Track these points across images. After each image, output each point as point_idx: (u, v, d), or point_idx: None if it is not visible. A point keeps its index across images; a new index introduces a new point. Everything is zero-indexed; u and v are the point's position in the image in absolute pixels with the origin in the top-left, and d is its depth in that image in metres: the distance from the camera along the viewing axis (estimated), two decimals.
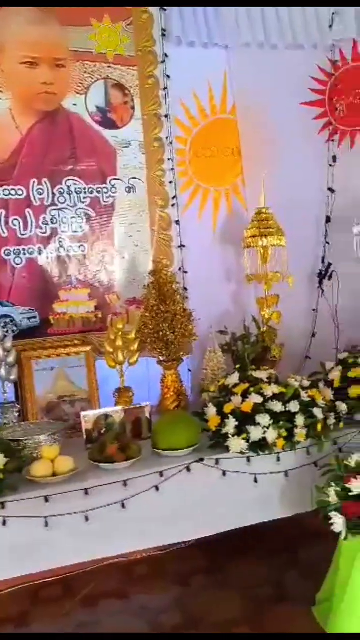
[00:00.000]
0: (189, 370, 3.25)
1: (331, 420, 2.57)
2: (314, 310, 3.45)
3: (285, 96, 3.37)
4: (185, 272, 3.25)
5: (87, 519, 2.15)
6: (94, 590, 2.56)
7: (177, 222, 3.24)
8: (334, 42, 3.38)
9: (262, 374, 2.63)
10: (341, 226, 3.36)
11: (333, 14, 3.34)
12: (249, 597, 2.49)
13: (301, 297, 3.46)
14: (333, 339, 3.28)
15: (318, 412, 2.51)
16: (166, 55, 3.17)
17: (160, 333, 2.82)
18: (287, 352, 3.24)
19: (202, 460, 2.35)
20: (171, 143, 3.21)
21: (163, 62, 3.17)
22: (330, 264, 3.41)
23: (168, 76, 3.18)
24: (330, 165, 3.42)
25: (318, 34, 3.33)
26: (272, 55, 3.33)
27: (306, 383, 2.67)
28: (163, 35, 3.15)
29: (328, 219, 3.43)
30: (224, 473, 2.38)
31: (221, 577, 2.64)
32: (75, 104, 3.00)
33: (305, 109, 3.43)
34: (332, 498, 2.26)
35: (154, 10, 3.13)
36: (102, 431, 2.54)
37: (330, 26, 3.34)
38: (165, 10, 3.13)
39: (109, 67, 3.07)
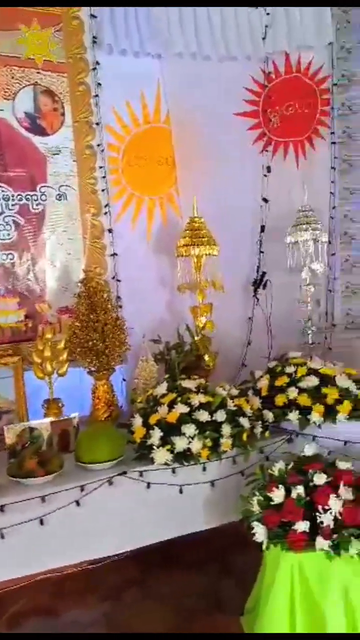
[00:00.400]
0: (124, 380, 3.21)
1: (258, 429, 2.58)
2: (249, 318, 3.48)
3: (219, 106, 3.41)
4: (119, 281, 3.22)
5: (2, 536, 2.09)
6: (23, 606, 2.50)
7: (110, 231, 3.21)
8: (267, 54, 3.44)
9: (190, 384, 2.63)
10: (275, 235, 3.40)
11: (266, 26, 3.40)
12: (180, 608, 2.48)
13: (237, 305, 3.48)
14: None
15: (244, 421, 2.52)
16: (97, 63, 3.15)
17: (90, 343, 2.77)
18: (223, 361, 3.25)
19: (124, 473, 2.32)
20: (103, 151, 3.18)
21: (94, 69, 3.14)
22: (264, 273, 3.45)
23: (99, 84, 3.15)
24: (265, 176, 3.47)
25: (251, 46, 3.38)
26: (205, 65, 3.36)
27: (235, 392, 2.68)
28: (94, 42, 3.12)
29: (262, 229, 3.47)
30: (149, 485, 2.35)
31: (153, 589, 2.62)
32: (2, 109, 2.94)
33: (239, 120, 3.47)
34: (255, 507, 2.27)
35: (84, 16, 3.10)
36: (26, 445, 2.47)
37: (264, 39, 3.40)
38: (95, 17, 3.11)
39: (38, 72, 3.02)
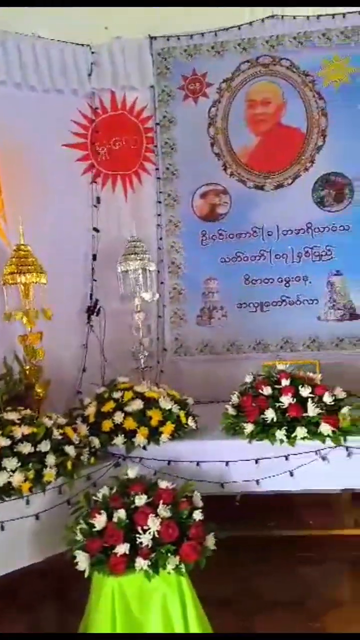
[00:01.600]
0: None
1: (85, 456, 2.61)
2: (84, 345, 3.51)
3: (47, 136, 3.45)
4: None
5: None
6: None
7: None
8: (94, 90, 3.57)
9: (14, 415, 2.57)
10: (108, 264, 3.50)
11: (92, 63, 3.54)
12: None
13: (72, 333, 3.50)
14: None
15: (70, 450, 2.53)
16: None
17: None
18: (58, 388, 3.23)
19: None
20: None
21: None
22: (97, 300, 3.52)
23: None
24: (95, 206, 3.57)
25: (77, 81, 3.49)
26: (32, 95, 3.38)
27: (62, 421, 2.67)
28: None
29: (94, 257, 3.55)
30: None
31: None
32: None
33: (69, 151, 3.54)
34: (79, 536, 2.28)
35: None
36: None
37: (89, 75, 3.53)
38: None
39: None
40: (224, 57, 3.53)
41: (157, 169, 3.60)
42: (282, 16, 3.45)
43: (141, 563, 2.18)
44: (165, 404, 2.79)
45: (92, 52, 3.52)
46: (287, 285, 3.56)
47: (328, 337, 3.52)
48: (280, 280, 3.56)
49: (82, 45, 3.50)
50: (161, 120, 3.59)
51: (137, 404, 2.76)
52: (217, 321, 3.63)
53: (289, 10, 3.43)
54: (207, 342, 3.64)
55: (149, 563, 2.19)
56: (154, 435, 2.71)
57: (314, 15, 3.42)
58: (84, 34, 3.48)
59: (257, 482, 2.65)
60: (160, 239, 3.63)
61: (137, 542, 2.22)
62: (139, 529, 2.25)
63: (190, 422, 2.82)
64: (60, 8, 3.44)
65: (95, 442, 2.67)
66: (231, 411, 2.79)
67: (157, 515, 2.27)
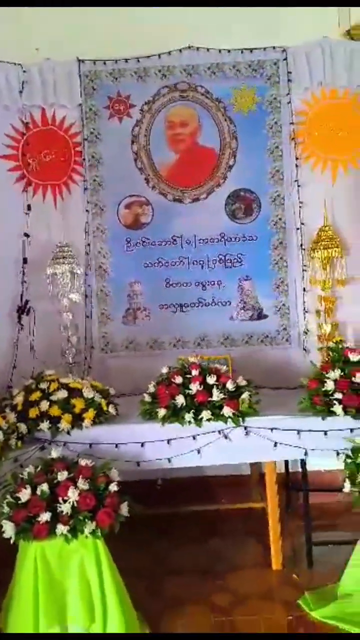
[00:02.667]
0: None
1: (13, 441, 2.88)
2: (14, 343, 3.75)
3: None
4: None
5: None
6: None
7: None
8: (25, 106, 3.84)
9: None
10: (38, 267, 3.77)
11: (23, 82, 3.80)
12: None
13: (2, 332, 3.73)
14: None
15: None
16: None
17: None
18: None
19: None
20: None
21: None
22: (27, 301, 3.77)
23: None
24: (26, 213, 3.83)
25: (9, 97, 3.75)
26: None
27: None
28: None
29: (25, 260, 3.80)
30: None
31: None
32: None
33: (1, 162, 3.80)
34: (6, 509, 2.55)
35: None
36: None
37: (21, 92, 3.80)
38: None
39: None
40: (146, 81, 3.89)
41: (84, 180, 3.89)
42: (198, 48, 3.85)
43: (61, 528, 2.49)
44: (88, 393, 3.10)
45: (24, 71, 3.78)
46: (204, 288, 3.95)
47: (239, 334, 3.94)
48: (197, 284, 3.94)
49: (14, 64, 3.76)
50: (88, 136, 3.89)
51: (62, 394, 3.05)
52: (140, 321, 3.96)
53: (204, 43, 3.84)
54: (132, 340, 3.96)
55: (68, 528, 2.50)
56: (77, 421, 3.01)
57: (225, 49, 3.85)
58: (16, 54, 3.75)
59: (169, 460, 3.01)
60: (88, 244, 3.92)
61: (58, 511, 2.52)
62: (60, 500, 2.55)
63: (111, 409, 3.14)
64: None
65: (22, 427, 2.94)
66: (147, 399, 3.14)
67: (76, 487, 2.58)
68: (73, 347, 3.75)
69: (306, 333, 3.88)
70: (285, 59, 3.85)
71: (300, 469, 3.45)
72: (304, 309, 3.89)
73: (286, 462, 3.86)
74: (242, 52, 3.86)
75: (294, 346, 3.91)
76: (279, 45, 3.85)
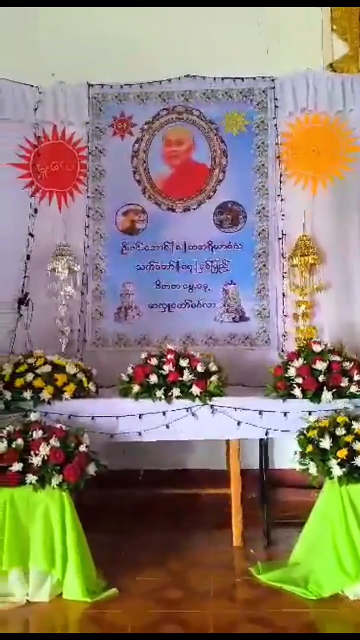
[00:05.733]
0: None
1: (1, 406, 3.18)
2: (13, 330, 4.08)
3: None
4: None
5: None
6: None
7: None
8: (39, 122, 4.32)
9: None
10: (40, 265, 4.15)
11: (38, 101, 4.30)
12: None
13: (5, 319, 4.07)
14: None
15: None
16: None
17: None
18: None
19: None
20: None
21: None
22: (27, 293, 4.12)
23: None
24: (32, 215, 4.24)
25: (24, 113, 4.24)
26: None
27: None
28: None
29: (28, 257, 4.18)
30: None
31: None
32: None
33: (13, 169, 4.25)
34: None
35: None
36: None
37: (35, 109, 4.29)
38: None
39: None
40: (147, 104, 4.35)
41: (87, 189, 4.31)
42: (195, 76, 4.31)
43: (31, 477, 2.74)
44: (71, 369, 3.39)
45: (40, 92, 4.28)
46: (191, 291, 4.25)
47: (222, 335, 4.19)
48: (185, 286, 4.25)
49: (31, 85, 4.27)
50: (93, 150, 4.33)
51: (47, 368, 3.35)
52: (131, 318, 4.26)
53: (200, 71, 4.29)
54: (122, 336, 4.25)
55: (37, 478, 2.74)
56: (58, 394, 3.29)
57: (219, 77, 4.30)
58: (33, 77, 4.25)
59: (140, 433, 3.25)
60: (87, 247, 4.29)
61: (29, 462, 2.78)
62: (32, 453, 2.81)
63: (91, 387, 3.41)
64: (15, 57, 4.28)
65: (7, 395, 3.23)
66: (125, 378, 3.41)
67: (48, 444, 2.84)
68: (66, 337, 4.07)
69: (284, 336, 4.12)
70: (273, 87, 4.27)
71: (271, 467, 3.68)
72: (283, 313, 4.14)
73: (260, 459, 4.03)
74: (234, 80, 4.30)
75: (273, 348, 4.14)
76: (268, 75, 4.28)
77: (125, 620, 2.48)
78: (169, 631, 2.39)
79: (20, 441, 2.84)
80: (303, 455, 2.87)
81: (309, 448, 2.81)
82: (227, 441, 3.46)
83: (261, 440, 3.65)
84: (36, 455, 2.79)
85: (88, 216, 4.31)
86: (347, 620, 2.47)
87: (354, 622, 2.47)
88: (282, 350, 4.08)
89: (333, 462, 2.72)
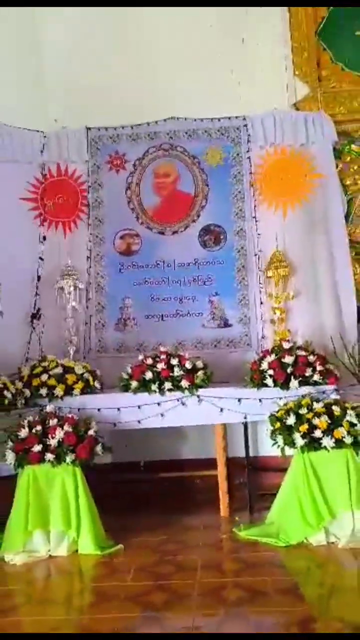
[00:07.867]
0: None
1: (20, 401, 3.78)
2: (28, 342, 4.70)
3: (9, 193, 4.81)
4: None
5: None
6: None
7: None
8: (45, 162, 5.00)
9: None
10: (49, 284, 4.79)
11: (44, 144, 4.99)
12: None
13: (19, 333, 4.70)
14: None
15: (8, 394, 3.69)
16: None
17: None
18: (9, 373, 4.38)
19: None
20: None
21: None
22: (39, 309, 4.76)
23: None
24: (41, 242, 4.90)
25: (32, 155, 4.93)
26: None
27: (5, 379, 3.85)
28: None
29: (39, 278, 4.83)
30: None
31: None
32: None
33: (24, 203, 4.92)
34: (9, 444, 3.42)
35: None
36: None
37: (42, 151, 4.98)
38: None
39: None
40: (138, 143, 5.04)
41: (88, 217, 4.98)
42: (178, 117, 5.00)
43: (49, 456, 3.34)
44: (79, 370, 4.01)
45: (44, 137, 4.98)
46: (181, 302, 4.88)
47: (209, 340, 4.81)
48: (175, 299, 4.88)
49: (37, 131, 4.97)
50: (92, 184, 5.01)
51: (59, 369, 3.97)
52: (130, 328, 4.88)
53: (184, 114, 4.98)
54: (122, 344, 4.87)
55: (54, 457, 3.34)
56: (69, 391, 3.90)
57: (199, 118, 4.99)
58: (38, 123, 4.96)
59: (139, 421, 3.85)
60: (90, 267, 4.94)
61: (47, 444, 3.38)
62: (50, 437, 3.41)
63: (97, 384, 4.03)
64: (23, 106, 4.99)
65: (27, 392, 3.84)
66: (125, 376, 4.02)
67: (62, 429, 3.44)
68: (73, 345, 4.69)
69: (263, 338, 4.73)
70: (246, 125, 4.96)
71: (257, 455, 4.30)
72: (262, 319, 4.76)
73: (246, 447, 4.60)
74: (212, 120, 5.00)
75: (254, 350, 4.75)
76: (241, 115, 4.97)
77: (129, 565, 3.05)
78: (165, 570, 2.96)
79: (39, 427, 3.44)
80: (273, 432, 3.46)
81: (277, 424, 3.41)
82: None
83: (245, 429, 4.25)
84: (53, 438, 3.39)
85: (90, 241, 4.97)
86: (310, 559, 3.04)
87: (316, 561, 3.03)
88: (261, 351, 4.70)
89: (297, 435, 3.31)
